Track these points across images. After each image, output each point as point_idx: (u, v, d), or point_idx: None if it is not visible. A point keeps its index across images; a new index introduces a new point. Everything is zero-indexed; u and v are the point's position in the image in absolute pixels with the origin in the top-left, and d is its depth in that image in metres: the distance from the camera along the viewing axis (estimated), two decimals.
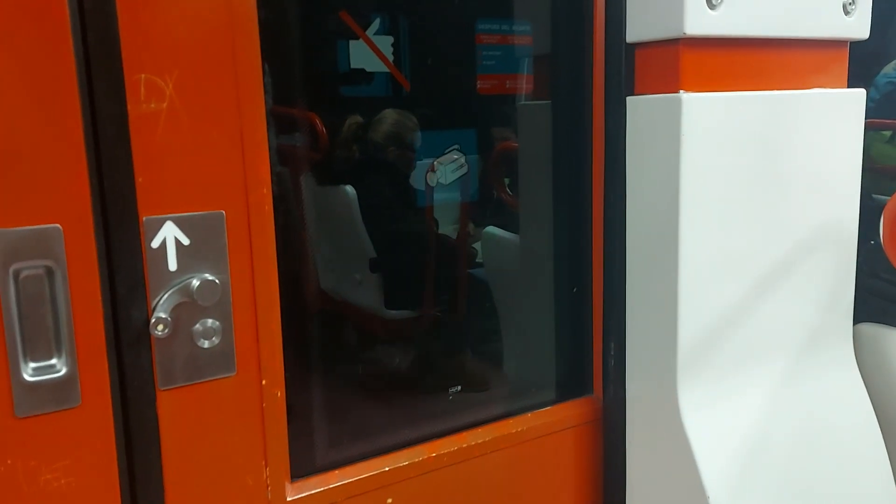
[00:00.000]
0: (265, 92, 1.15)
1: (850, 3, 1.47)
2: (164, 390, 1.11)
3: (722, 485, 1.39)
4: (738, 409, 1.47)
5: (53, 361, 1.02)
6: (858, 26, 1.49)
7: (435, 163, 1.89)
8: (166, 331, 1.08)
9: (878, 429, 1.61)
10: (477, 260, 2.37)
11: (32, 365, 1.01)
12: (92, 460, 1.07)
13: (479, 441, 1.47)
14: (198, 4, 1.07)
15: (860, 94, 1.53)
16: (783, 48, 1.44)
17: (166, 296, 1.08)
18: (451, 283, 2.26)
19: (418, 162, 1.96)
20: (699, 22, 1.30)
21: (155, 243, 1.08)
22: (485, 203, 2.21)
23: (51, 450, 1.04)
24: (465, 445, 1.45)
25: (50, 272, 1.01)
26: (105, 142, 1.03)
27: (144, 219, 1.06)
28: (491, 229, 2.28)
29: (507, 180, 2.24)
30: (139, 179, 1.05)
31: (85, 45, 1.00)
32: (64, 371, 1.03)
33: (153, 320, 1.07)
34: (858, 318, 1.66)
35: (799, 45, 1.45)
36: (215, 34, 1.08)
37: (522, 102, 1.92)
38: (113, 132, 1.03)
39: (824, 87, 1.50)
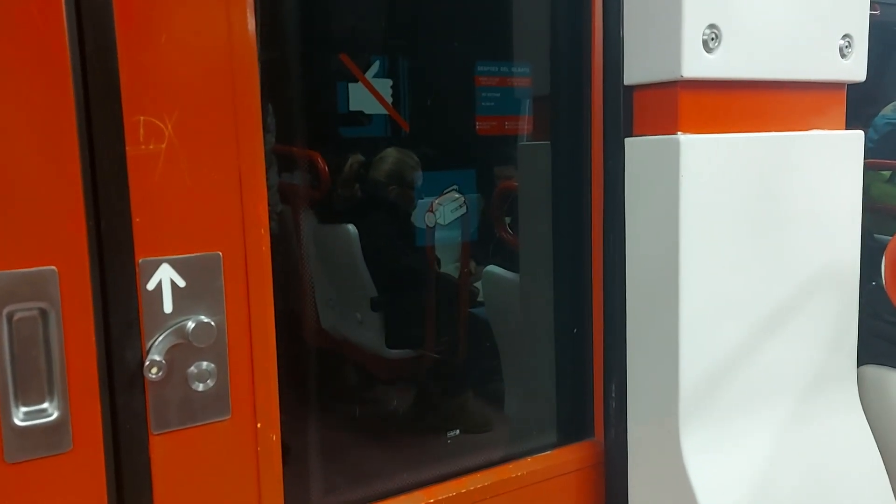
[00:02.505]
0: (268, 131, 1.15)
1: (846, 47, 1.48)
2: (157, 434, 1.09)
3: None
4: (742, 452, 1.45)
5: (45, 405, 1.01)
6: (855, 69, 1.50)
7: (434, 203, 1.90)
8: (160, 374, 1.06)
9: (885, 472, 1.58)
10: (479, 299, 2.36)
11: (24, 409, 1.00)
12: None
13: (479, 486, 1.44)
14: (199, 47, 1.07)
15: (858, 135, 1.53)
16: (780, 90, 1.45)
17: (161, 338, 1.07)
18: (453, 323, 2.25)
19: (419, 201, 1.97)
20: (696, 65, 1.31)
21: (150, 285, 1.07)
22: (486, 242, 2.21)
23: (41, 495, 1.01)
24: (463, 490, 1.42)
25: (44, 314, 1.00)
26: (103, 183, 1.02)
27: (140, 261, 1.06)
28: (492, 268, 2.27)
29: (507, 219, 2.25)
30: (136, 220, 1.05)
31: (85, 87, 1.00)
32: (56, 415, 1.01)
33: (147, 363, 1.05)
34: (862, 360, 1.64)
35: (796, 87, 1.46)
36: (215, 76, 1.09)
37: (522, 143, 1.93)
38: (111, 174, 1.03)
39: (822, 129, 1.50)
